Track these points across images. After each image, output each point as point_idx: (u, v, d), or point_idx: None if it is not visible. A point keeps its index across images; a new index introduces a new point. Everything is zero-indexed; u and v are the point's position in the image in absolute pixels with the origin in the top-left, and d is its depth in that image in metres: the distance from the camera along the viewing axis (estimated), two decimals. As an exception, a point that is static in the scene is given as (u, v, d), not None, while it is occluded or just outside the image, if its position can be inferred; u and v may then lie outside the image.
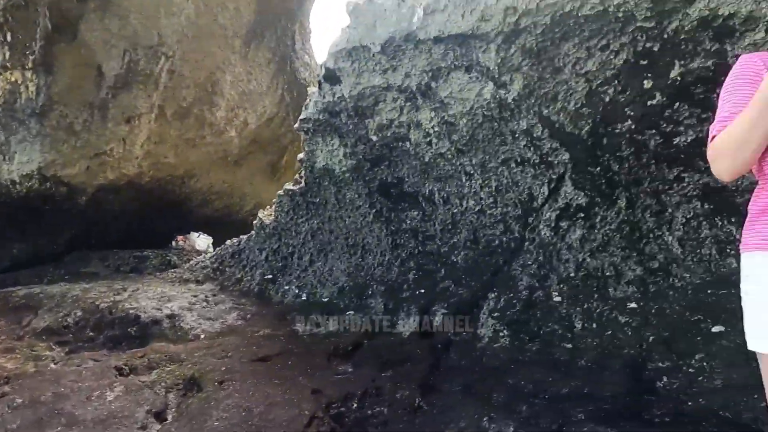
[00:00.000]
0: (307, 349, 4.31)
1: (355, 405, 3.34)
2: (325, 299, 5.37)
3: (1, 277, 7.03)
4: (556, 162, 4.10)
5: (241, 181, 10.28)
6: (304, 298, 5.54)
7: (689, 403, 2.87)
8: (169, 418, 3.33)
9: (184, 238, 10.46)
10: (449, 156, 4.60)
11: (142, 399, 3.49)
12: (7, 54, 6.47)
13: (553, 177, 4.18)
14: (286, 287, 5.77)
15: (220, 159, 9.29)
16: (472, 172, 4.58)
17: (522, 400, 3.18)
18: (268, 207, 6.65)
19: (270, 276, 6.01)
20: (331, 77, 4.67)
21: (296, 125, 5.37)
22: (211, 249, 9.60)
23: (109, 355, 4.30)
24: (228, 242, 7.01)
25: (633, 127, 3.63)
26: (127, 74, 6.87)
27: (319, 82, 4.82)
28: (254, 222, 6.52)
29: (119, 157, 7.53)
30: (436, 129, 4.49)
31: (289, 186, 5.99)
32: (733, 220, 3.64)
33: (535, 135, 4.02)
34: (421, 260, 5.11)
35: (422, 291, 4.75)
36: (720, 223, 3.71)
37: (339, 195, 5.58)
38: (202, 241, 10.35)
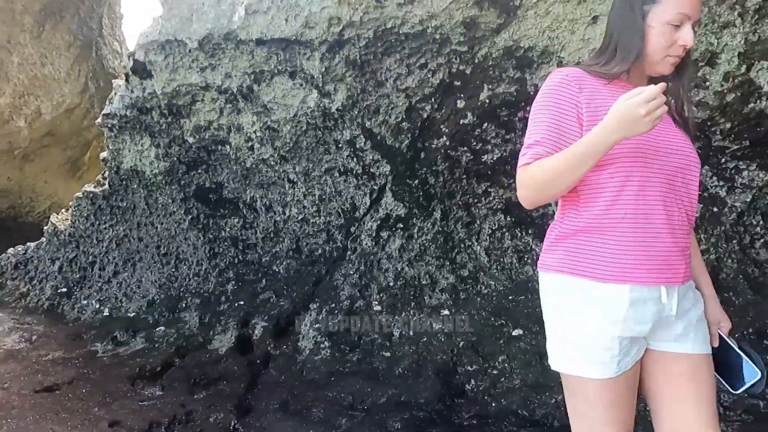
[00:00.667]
0: (106, 373, 3.84)
1: (161, 435, 3.04)
2: (132, 314, 4.86)
3: None
4: (377, 173, 4.17)
5: (33, 179, 9.02)
6: (106, 313, 4.95)
7: (493, 405, 3.09)
8: None
9: (-46, 245, 8.78)
10: (272, 162, 4.44)
11: None
12: None
13: (375, 188, 4.25)
14: (84, 302, 5.11)
15: (4, 152, 8.04)
16: (295, 179, 4.48)
17: (341, 413, 3.17)
18: (63, 211, 5.85)
19: (64, 289, 5.28)
20: (141, 70, 4.24)
21: (98, 120, 4.78)
22: (-10, 257, 8.18)
23: None
24: (11, 250, 6.02)
25: (447, 143, 3.84)
26: None
27: (127, 75, 4.34)
28: (45, 228, 5.68)
29: None
30: (258, 134, 4.30)
31: (89, 188, 5.32)
32: (530, 231, 4.02)
33: (358, 146, 4.05)
34: (240, 270, 4.87)
35: (241, 303, 4.51)
36: (520, 234, 4.08)
37: (150, 199, 5.09)
38: (-23, 248, 8.77)
